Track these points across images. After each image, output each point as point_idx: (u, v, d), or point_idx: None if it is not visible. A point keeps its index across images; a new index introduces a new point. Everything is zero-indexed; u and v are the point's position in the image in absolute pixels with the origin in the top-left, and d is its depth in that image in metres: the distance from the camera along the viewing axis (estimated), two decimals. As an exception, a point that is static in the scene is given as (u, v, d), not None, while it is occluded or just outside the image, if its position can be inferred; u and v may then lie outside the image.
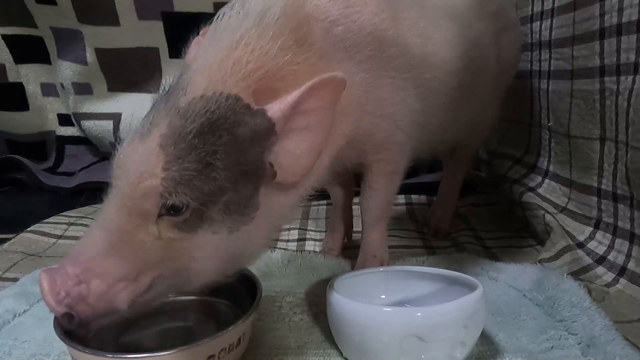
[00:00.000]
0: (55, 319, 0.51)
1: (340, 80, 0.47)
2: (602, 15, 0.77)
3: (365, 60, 0.56)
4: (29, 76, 1.49)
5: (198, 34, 0.55)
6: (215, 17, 0.50)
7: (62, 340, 0.47)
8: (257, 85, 0.46)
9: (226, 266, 0.49)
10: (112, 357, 0.45)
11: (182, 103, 0.45)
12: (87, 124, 1.45)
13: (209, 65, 0.46)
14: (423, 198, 1.24)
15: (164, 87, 0.50)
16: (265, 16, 0.48)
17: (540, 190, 0.97)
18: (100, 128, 1.44)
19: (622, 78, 0.73)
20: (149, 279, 0.45)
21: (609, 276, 0.74)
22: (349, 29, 0.54)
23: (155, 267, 0.45)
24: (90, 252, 0.44)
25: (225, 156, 0.44)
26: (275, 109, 0.45)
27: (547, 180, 0.97)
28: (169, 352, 0.45)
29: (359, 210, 0.71)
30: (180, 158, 0.43)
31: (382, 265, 0.70)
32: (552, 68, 0.94)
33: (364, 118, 0.57)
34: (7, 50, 1.44)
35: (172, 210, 0.44)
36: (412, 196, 1.24)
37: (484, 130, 0.97)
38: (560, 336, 0.57)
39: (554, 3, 0.92)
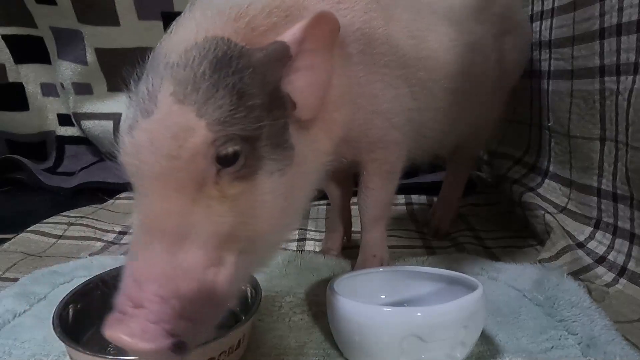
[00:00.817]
0: (55, 317, 0.51)
1: (336, 20, 0.47)
2: (602, 15, 0.77)
3: (355, 54, 0.56)
4: (29, 76, 1.49)
5: None
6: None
7: (62, 341, 0.47)
8: (254, 36, 0.45)
9: (285, 221, 0.47)
10: (113, 358, 0.45)
11: (174, 58, 0.42)
12: (87, 124, 1.45)
13: (193, 19, 0.46)
14: (423, 198, 1.24)
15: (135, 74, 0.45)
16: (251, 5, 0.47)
17: (540, 190, 0.97)
18: (100, 128, 1.44)
19: (622, 78, 0.73)
20: (234, 254, 0.41)
21: (609, 276, 0.74)
22: (340, 23, 0.55)
23: (232, 238, 0.41)
24: (154, 260, 0.37)
25: (251, 81, 0.42)
26: (287, 34, 0.45)
27: (547, 180, 0.97)
28: None
29: (355, 210, 0.71)
30: (210, 98, 0.39)
31: (382, 265, 0.70)
32: (552, 68, 0.94)
33: (358, 113, 0.58)
34: (7, 50, 1.44)
35: (226, 161, 0.40)
36: (412, 196, 1.24)
37: (485, 133, 0.97)
38: (560, 336, 0.57)
39: (554, 3, 0.92)
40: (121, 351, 0.38)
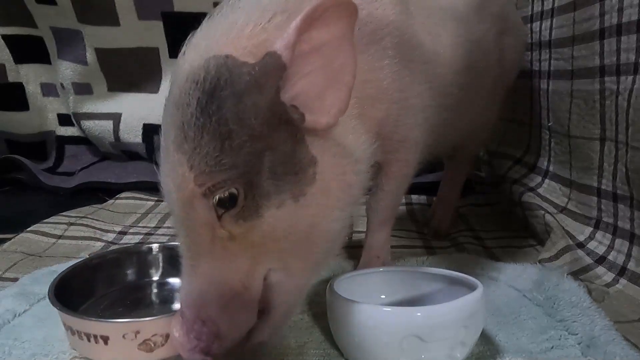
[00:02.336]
0: (51, 289, 0.57)
1: (347, 2, 0.41)
2: (602, 15, 0.77)
3: (390, 47, 0.54)
4: (29, 76, 1.49)
5: None
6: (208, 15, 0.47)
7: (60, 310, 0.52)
8: (254, 47, 0.42)
9: (323, 230, 0.45)
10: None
11: (175, 90, 0.42)
12: (87, 124, 1.45)
13: (193, 45, 0.43)
14: (423, 198, 1.24)
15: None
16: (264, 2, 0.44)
17: (540, 190, 0.97)
18: (100, 128, 1.44)
19: (622, 78, 0.73)
20: (257, 280, 0.43)
21: (609, 276, 0.74)
22: (373, 15, 0.53)
23: (254, 267, 0.42)
24: (194, 288, 0.42)
25: (234, 116, 0.39)
26: (277, 43, 0.40)
27: (547, 180, 0.97)
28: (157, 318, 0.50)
29: (360, 210, 0.71)
30: (197, 147, 0.39)
31: (383, 266, 0.70)
32: (552, 68, 0.94)
33: (393, 108, 0.56)
34: (7, 51, 1.44)
35: (224, 205, 0.40)
36: (412, 196, 1.24)
37: (484, 133, 0.97)
38: (560, 336, 0.57)
39: (554, 3, 0.92)
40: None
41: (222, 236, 0.41)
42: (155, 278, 0.70)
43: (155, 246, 0.70)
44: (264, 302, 0.44)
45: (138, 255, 0.70)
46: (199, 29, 0.46)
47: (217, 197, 0.40)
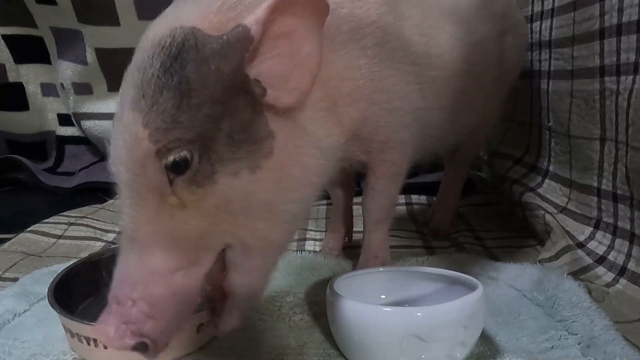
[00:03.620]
0: (50, 291, 0.57)
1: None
2: (602, 15, 0.77)
3: (370, 47, 0.54)
4: (29, 76, 1.49)
5: None
6: None
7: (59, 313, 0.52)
8: (222, 23, 0.41)
9: (279, 220, 0.44)
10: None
11: (137, 56, 0.41)
12: (87, 124, 1.45)
13: (161, 17, 0.43)
14: (423, 198, 1.23)
15: None
16: None
17: (540, 190, 0.97)
18: (100, 128, 1.44)
19: (622, 78, 0.73)
20: (211, 255, 0.41)
21: (609, 276, 0.74)
22: (354, 14, 0.54)
23: (207, 240, 0.41)
24: (128, 265, 0.40)
25: (200, 75, 0.39)
26: (248, 18, 0.40)
27: (547, 180, 0.97)
28: None
29: (360, 210, 0.71)
30: (154, 104, 0.38)
31: (383, 265, 0.70)
32: (552, 68, 0.94)
33: (371, 109, 0.56)
34: (7, 50, 1.44)
35: (178, 168, 0.39)
36: (412, 196, 1.24)
37: (484, 133, 0.97)
38: (560, 336, 0.57)
39: (554, 3, 0.92)
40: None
41: (172, 203, 0.39)
42: None
43: None
44: (224, 284, 0.43)
45: None
46: (170, 5, 0.46)
47: (170, 158, 0.38)
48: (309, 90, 0.45)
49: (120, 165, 0.40)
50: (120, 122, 0.40)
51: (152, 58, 0.39)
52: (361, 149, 0.60)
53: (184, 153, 0.39)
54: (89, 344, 0.51)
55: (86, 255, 0.86)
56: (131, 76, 0.40)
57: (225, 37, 0.40)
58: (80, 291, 0.64)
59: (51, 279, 0.60)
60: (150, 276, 0.39)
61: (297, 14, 0.42)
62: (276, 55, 0.43)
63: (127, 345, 0.38)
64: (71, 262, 0.67)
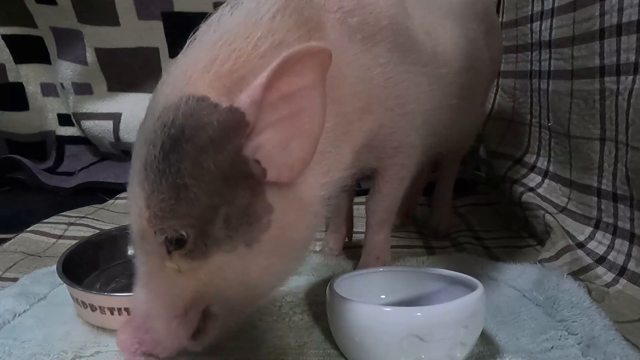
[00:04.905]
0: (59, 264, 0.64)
1: (321, 50, 0.39)
2: (602, 15, 0.77)
3: (384, 54, 0.53)
4: (29, 76, 1.49)
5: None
6: (208, 15, 0.45)
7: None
8: (234, 84, 0.40)
9: (274, 275, 0.46)
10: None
11: (149, 124, 0.41)
12: (87, 124, 1.45)
13: (178, 71, 0.42)
14: (423, 198, 1.23)
15: None
16: (257, 12, 0.43)
17: (540, 190, 0.97)
18: (100, 128, 1.44)
19: (622, 78, 0.73)
20: (197, 311, 0.44)
21: (609, 276, 0.74)
22: (365, 21, 0.52)
23: (196, 299, 0.43)
24: (141, 300, 0.44)
25: (193, 171, 0.39)
26: (242, 97, 0.39)
27: (547, 180, 0.97)
28: None
29: (360, 210, 0.71)
30: (155, 191, 0.40)
31: (384, 266, 0.70)
32: (552, 68, 0.94)
33: (386, 116, 0.55)
34: (7, 50, 1.44)
35: (174, 244, 0.41)
36: (412, 196, 1.24)
37: (475, 130, 0.97)
38: (560, 336, 0.57)
39: (554, 3, 0.92)
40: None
41: (170, 267, 0.42)
42: None
43: None
44: (200, 325, 0.46)
45: None
46: (186, 45, 0.45)
47: (166, 237, 0.41)
48: (311, 158, 0.42)
49: (131, 219, 0.43)
50: (132, 186, 0.42)
51: (155, 134, 0.40)
52: (373, 156, 0.59)
53: (180, 234, 0.41)
54: (93, 310, 0.58)
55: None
56: (140, 145, 0.42)
57: (216, 121, 0.39)
58: (87, 266, 0.72)
59: (51, 279, 0.60)
60: (155, 317, 0.43)
61: (297, 73, 0.39)
62: (275, 122, 0.40)
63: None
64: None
